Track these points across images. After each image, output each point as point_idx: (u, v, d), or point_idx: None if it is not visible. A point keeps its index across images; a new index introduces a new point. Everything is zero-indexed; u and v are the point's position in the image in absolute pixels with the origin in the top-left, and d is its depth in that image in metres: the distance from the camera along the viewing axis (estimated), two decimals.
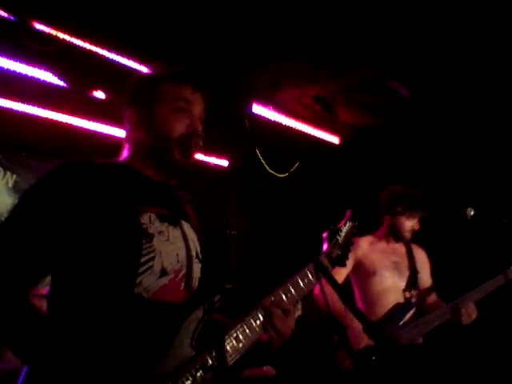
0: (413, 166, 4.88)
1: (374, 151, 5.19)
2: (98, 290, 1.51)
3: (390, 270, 3.31)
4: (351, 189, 5.16)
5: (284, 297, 1.79)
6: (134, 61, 3.61)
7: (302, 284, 1.84)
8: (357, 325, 3.09)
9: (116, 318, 1.49)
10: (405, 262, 3.35)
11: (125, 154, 1.77)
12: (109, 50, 3.60)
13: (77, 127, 4.20)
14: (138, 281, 1.52)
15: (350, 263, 3.18)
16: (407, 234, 3.35)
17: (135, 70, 3.59)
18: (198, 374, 1.53)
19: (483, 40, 3.63)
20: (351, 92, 4.34)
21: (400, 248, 3.42)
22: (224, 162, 5.24)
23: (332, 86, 4.31)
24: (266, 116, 4.74)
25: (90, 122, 4.23)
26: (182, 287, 1.64)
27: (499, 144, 4.41)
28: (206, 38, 3.65)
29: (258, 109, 4.65)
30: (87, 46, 3.54)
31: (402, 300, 3.23)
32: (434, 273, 3.43)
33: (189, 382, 1.52)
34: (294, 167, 5.25)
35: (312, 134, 5.14)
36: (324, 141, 5.28)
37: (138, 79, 1.84)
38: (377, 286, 3.25)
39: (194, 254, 1.71)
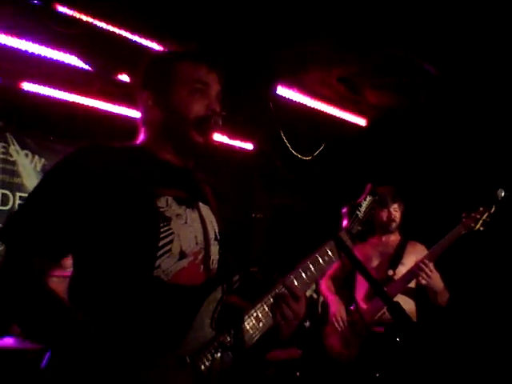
0: (441, 147, 4.78)
1: (402, 133, 5.09)
2: (117, 273, 1.51)
3: (376, 260, 3.45)
4: (377, 172, 5.09)
5: (304, 275, 1.78)
6: (159, 43, 3.59)
7: (321, 261, 1.84)
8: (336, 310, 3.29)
9: (136, 301, 1.50)
10: (390, 252, 3.48)
11: (142, 136, 1.76)
12: (133, 33, 3.58)
13: (102, 110, 4.22)
14: (156, 264, 1.53)
15: None
16: (388, 224, 3.52)
17: (153, 51, 3.56)
18: (218, 354, 1.54)
19: None
20: (378, 72, 4.25)
21: (393, 241, 3.57)
22: (249, 146, 5.21)
23: (358, 67, 4.22)
24: (291, 98, 4.68)
25: (116, 106, 4.24)
26: (201, 269, 1.64)
27: None
28: (230, 19, 3.61)
29: (282, 91, 4.59)
30: (111, 28, 3.52)
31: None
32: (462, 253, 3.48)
33: (208, 362, 1.53)
34: (320, 150, 5.20)
35: (338, 115, 5.07)
36: (350, 123, 5.20)
37: (152, 60, 1.82)
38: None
39: (212, 235, 1.71)
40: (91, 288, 1.53)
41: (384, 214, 3.55)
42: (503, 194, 2.90)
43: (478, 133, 4.60)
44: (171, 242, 1.56)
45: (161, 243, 1.54)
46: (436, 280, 3.16)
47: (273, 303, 1.67)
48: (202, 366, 1.51)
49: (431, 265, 3.16)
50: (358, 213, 2.02)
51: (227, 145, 5.01)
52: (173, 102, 1.69)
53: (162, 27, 3.49)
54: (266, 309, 1.66)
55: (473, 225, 3.19)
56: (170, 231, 1.57)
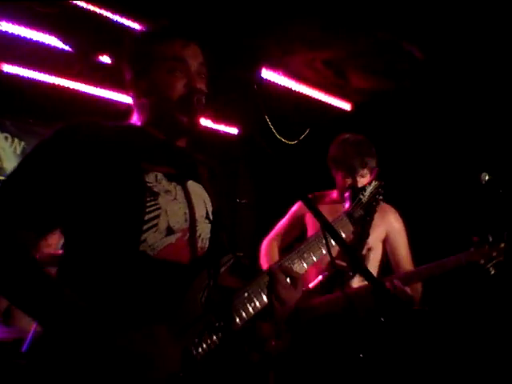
0: (426, 131, 4.78)
1: (387, 118, 5.08)
2: (104, 246, 1.50)
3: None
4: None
5: (300, 256, 1.76)
6: (140, 23, 3.52)
7: (319, 244, 1.81)
8: None
9: (122, 275, 1.49)
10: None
11: (135, 118, 1.75)
12: (114, 13, 3.51)
13: (83, 93, 4.15)
14: (142, 238, 1.51)
15: (299, 223, 2.98)
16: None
17: (132, 33, 3.50)
18: (206, 334, 1.52)
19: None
20: (363, 56, 4.22)
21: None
22: (233, 130, 5.17)
23: (344, 51, 4.19)
24: (276, 81, 4.64)
25: (97, 88, 4.17)
26: (189, 247, 1.61)
27: None
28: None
29: (267, 74, 4.55)
30: (91, 8, 3.45)
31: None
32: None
33: (196, 340, 1.51)
34: (304, 134, 5.17)
35: (323, 100, 5.04)
36: (335, 107, 5.18)
37: (131, 43, 1.79)
38: None
39: (203, 214, 1.68)
40: (79, 262, 1.52)
41: (348, 181, 2.84)
42: (487, 177, 2.78)
43: (463, 115, 4.61)
44: (158, 216, 1.54)
45: (146, 217, 1.52)
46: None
47: (268, 284, 1.65)
48: (192, 346, 1.49)
49: (399, 284, 2.62)
50: (361, 197, 1.99)
51: (211, 129, 4.96)
52: (155, 85, 1.67)
53: (142, 7, 3.42)
54: (260, 289, 1.65)
55: (482, 261, 2.62)
56: (157, 206, 1.55)
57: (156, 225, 1.54)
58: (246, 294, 1.63)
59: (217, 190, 1.80)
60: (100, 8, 3.47)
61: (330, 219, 2.70)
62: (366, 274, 1.38)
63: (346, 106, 5.24)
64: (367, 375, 2.49)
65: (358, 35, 3.86)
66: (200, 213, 1.67)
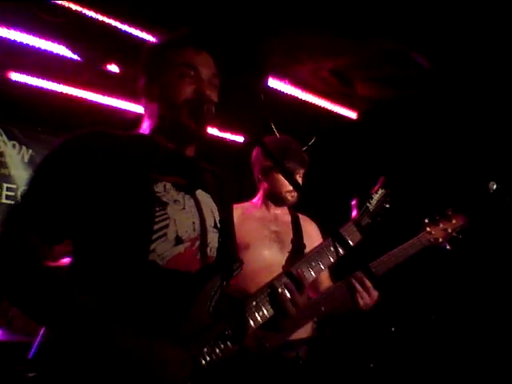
0: (432, 140, 4.78)
1: (393, 126, 5.09)
2: (114, 256, 1.51)
3: (268, 242, 2.63)
4: (368, 165, 5.08)
5: (308, 266, 1.78)
6: (148, 33, 3.55)
7: (327, 253, 1.84)
8: None
9: (131, 285, 1.49)
10: (288, 233, 2.72)
11: (144, 126, 1.77)
12: (122, 22, 3.54)
13: (91, 101, 4.17)
14: (151, 248, 1.52)
15: None
16: (286, 195, 2.71)
17: (149, 42, 3.53)
18: (217, 344, 1.53)
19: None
20: (370, 65, 4.23)
21: (283, 215, 2.78)
22: (240, 138, 5.18)
23: (350, 59, 4.20)
24: (283, 90, 4.66)
25: (105, 97, 4.20)
26: (198, 256, 1.62)
27: None
28: (222, 8, 3.57)
29: (274, 83, 4.56)
30: (100, 17, 3.48)
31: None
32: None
33: (207, 351, 1.52)
34: (311, 143, 5.18)
35: (329, 108, 5.05)
36: (341, 116, 5.19)
37: (147, 51, 1.84)
38: (250, 263, 2.42)
39: (211, 223, 1.70)
40: (88, 272, 1.52)
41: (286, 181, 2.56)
42: (495, 186, 2.74)
43: (470, 123, 4.60)
44: (167, 226, 1.55)
45: (155, 227, 1.53)
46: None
47: (276, 293, 1.67)
48: (200, 356, 1.50)
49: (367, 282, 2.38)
50: (368, 205, 1.99)
51: (217, 137, 4.98)
52: (165, 90, 1.69)
53: (151, 16, 3.45)
54: (268, 298, 1.66)
55: (441, 239, 2.56)
56: (166, 216, 1.56)
57: (165, 234, 1.55)
58: (254, 303, 1.65)
59: (224, 199, 1.81)
60: (108, 17, 3.50)
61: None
62: (377, 282, 1.39)
63: (352, 114, 5.25)
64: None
65: (365, 44, 3.88)
66: (208, 222, 1.69)
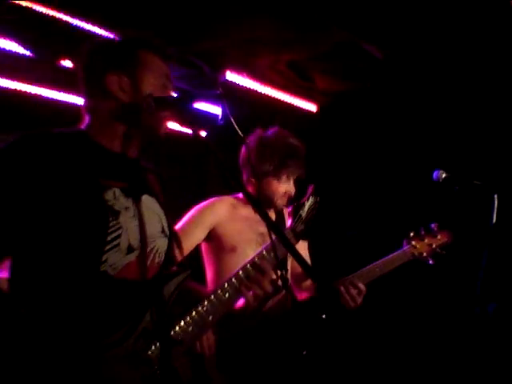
0: (389, 131, 4.87)
1: (353, 118, 5.15)
2: (64, 269, 1.49)
3: (255, 246, 2.50)
4: (329, 158, 5.14)
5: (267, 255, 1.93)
6: (101, 27, 3.51)
7: (268, 256, 1.95)
8: None
9: (83, 296, 1.49)
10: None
11: (88, 123, 1.71)
12: (74, 17, 3.49)
13: (44, 98, 4.10)
14: (103, 258, 1.52)
15: (201, 231, 2.56)
16: (280, 202, 2.67)
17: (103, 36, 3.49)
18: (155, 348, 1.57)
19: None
20: (325, 58, 4.28)
21: (270, 216, 2.62)
22: (202, 133, 5.17)
23: (306, 53, 4.24)
24: (241, 84, 4.66)
25: (58, 92, 4.13)
26: (148, 263, 1.63)
27: (473, 106, 4.41)
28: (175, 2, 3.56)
29: (232, 76, 4.56)
30: (51, 12, 3.42)
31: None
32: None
33: (154, 355, 1.56)
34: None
35: (289, 101, 5.08)
36: (301, 108, 5.22)
37: (112, 44, 1.80)
38: (235, 265, 2.25)
39: (159, 229, 1.71)
40: (34, 284, 1.50)
41: (282, 188, 2.61)
42: (444, 175, 2.74)
43: (424, 113, 4.70)
44: (119, 236, 1.55)
45: (109, 238, 1.53)
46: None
47: (241, 280, 1.80)
48: (149, 364, 1.54)
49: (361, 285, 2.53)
50: (301, 213, 2.14)
51: (179, 132, 4.96)
52: (144, 90, 1.66)
53: (102, 12, 3.41)
54: (234, 285, 1.79)
55: (421, 253, 2.63)
56: (119, 225, 1.56)
57: (118, 244, 1.55)
58: (216, 294, 1.79)
59: (167, 201, 1.83)
60: (60, 12, 3.45)
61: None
62: (319, 279, 1.45)
63: (311, 107, 5.29)
64: (310, 373, 2.53)
65: (317, 37, 3.92)
66: (156, 228, 1.70)
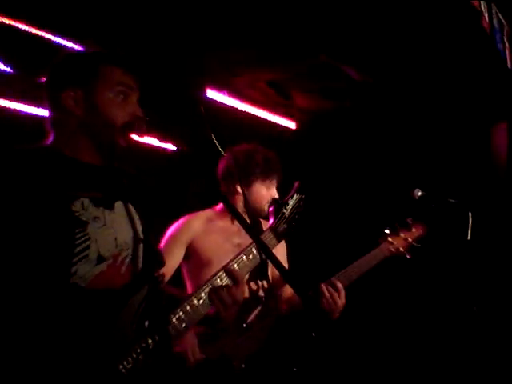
0: (368, 149, 4.94)
1: (332, 136, 5.22)
2: (34, 283, 1.48)
3: (231, 257, 2.35)
4: (308, 174, 5.18)
5: (244, 258, 1.89)
6: (80, 45, 3.52)
7: (246, 260, 1.91)
8: None
9: (53, 309, 1.48)
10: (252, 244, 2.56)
11: (53, 137, 1.70)
12: (55, 35, 3.50)
13: (23, 113, 4.08)
14: (73, 270, 1.51)
15: (179, 250, 2.53)
16: (266, 207, 2.57)
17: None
18: (140, 357, 1.54)
19: (432, 22, 3.67)
20: (304, 77, 4.35)
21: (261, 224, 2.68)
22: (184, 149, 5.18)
23: (285, 72, 4.31)
24: (222, 101, 4.71)
25: (37, 108, 4.11)
26: (122, 271, 1.63)
27: (448, 127, 4.51)
28: (157, 21, 3.59)
29: (212, 94, 4.60)
30: (32, 30, 3.43)
31: (245, 294, 2.43)
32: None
33: (130, 365, 1.52)
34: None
35: (268, 119, 5.13)
36: (281, 126, 5.28)
37: (74, 58, 1.80)
38: None
39: (134, 235, 1.70)
40: (5, 302, 1.47)
41: (269, 194, 2.59)
42: (420, 193, 2.79)
43: (401, 133, 4.78)
44: (88, 247, 1.55)
45: (77, 249, 1.53)
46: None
47: (211, 289, 1.75)
48: (123, 370, 1.50)
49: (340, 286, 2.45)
50: (284, 211, 2.05)
51: (160, 148, 4.96)
52: (99, 104, 1.67)
53: (83, 29, 3.42)
54: (204, 296, 1.74)
55: (401, 249, 2.64)
56: (87, 237, 1.55)
57: (87, 256, 1.54)
58: (182, 310, 1.71)
59: (146, 206, 1.80)
60: (40, 30, 3.45)
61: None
62: (298, 288, 1.43)
63: (291, 124, 5.35)
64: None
65: (297, 59, 3.98)
66: (130, 235, 1.69)
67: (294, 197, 2.08)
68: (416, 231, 2.75)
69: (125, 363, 1.52)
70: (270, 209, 2.09)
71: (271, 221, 2.06)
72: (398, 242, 2.69)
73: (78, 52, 1.91)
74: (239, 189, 2.63)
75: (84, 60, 1.77)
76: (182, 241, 2.57)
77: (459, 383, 3.78)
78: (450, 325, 4.09)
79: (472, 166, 4.42)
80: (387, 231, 2.71)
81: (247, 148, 2.72)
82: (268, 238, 2.02)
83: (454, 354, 3.99)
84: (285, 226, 2.05)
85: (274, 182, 2.67)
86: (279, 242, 2.03)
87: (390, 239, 2.70)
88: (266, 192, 2.61)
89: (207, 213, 2.69)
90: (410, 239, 2.72)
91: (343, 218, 4.80)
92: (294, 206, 2.06)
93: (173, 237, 2.60)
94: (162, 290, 1.66)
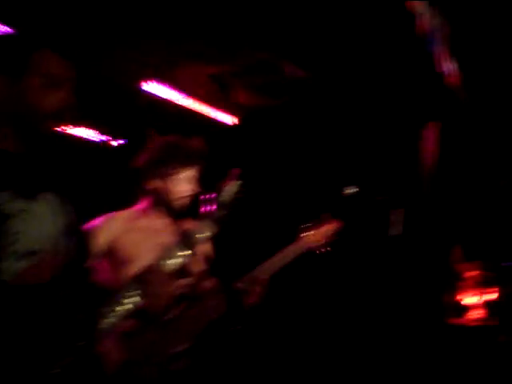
0: (305, 145, 5.04)
1: (272, 132, 5.29)
2: None
3: (153, 256, 2.33)
4: (248, 169, 5.23)
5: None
6: (13, 28, 3.41)
7: (171, 256, 2.01)
8: None
9: None
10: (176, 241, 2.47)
11: None
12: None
13: None
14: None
15: (97, 249, 2.39)
16: (185, 201, 2.46)
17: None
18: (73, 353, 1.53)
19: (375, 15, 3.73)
20: (244, 73, 4.39)
21: (173, 224, 2.52)
22: (121, 142, 5.11)
23: (226, 67, 4.33)
24: (162, 94, 4.68)
25: None
26: (52, 264, 1.59)
27: (381, 126, 4.65)
28: (96, 9, 3.53)
29: (153, 87, 4.58)
30: None
31: (171, 289, 2.27)
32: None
33: (62, 363, 1.50)
34: None
35: (209, 113, 5.15)
36: (221, 121, 5.31)
37: (2, 41, 1.69)
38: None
39: (61, 227, 1.66)
40: None
41: (194, 184, 2.43)
42: (350, 191, 2.90)
43: (339, 130, 4.90)
44: (16, 241, 1.50)
45: (2, 244, 1.47)
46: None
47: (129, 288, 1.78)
48: (53, 370, 1.49)
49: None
50: (220, 198, 2.06)
51: (102, 141, 4.88)
52: (27, 92, 1.60)
53: (16, 12, 3.32)
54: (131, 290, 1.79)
55: (313, 244, 2.68)
56: (13, 230, 1.50)
57: (13, 250, 1.50)
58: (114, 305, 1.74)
59: (68, 197, 1.75)
60: None
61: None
62: (224, 282, 1.48)
63: (231, 119, 5.38)
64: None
65: (236, 54, 4.01)
66: (57, 227, 1.64)
67: (231, 183, 2.10)
68: (330, 226, 2.80)
69: (54, 362, 1.51)
70: (212, 195, 2.07)
71: (210, 207, 2.06)
72: (312, 237, 2.75)
73: (8, 35, 1.81)
74: (159, 182, 2.48)
75: (14, 45, 1.67)
76: (99, 243, 2.41)
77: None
78: (372, 318, 4.20)
79: (402, 166, 4.58)
80: (303, 227, 2.76)
81: (166, 139, 2.56)
82: (206, 224, 2.03)
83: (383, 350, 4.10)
84: (224, 211, 2.06)
85: (195, 173, 2.51)
86: (217, 228, 2.04)
87: (305, 234, 2.74)
88: (186, 184, 2.47)
89: (128, 212, 2.54)
90: (323, 234, 2.77)
91: (271, 212, 4.88)
92: (230, 192, 2.08)
93: (91, 236, 2.41)
94: (91, 283, 1.65)
